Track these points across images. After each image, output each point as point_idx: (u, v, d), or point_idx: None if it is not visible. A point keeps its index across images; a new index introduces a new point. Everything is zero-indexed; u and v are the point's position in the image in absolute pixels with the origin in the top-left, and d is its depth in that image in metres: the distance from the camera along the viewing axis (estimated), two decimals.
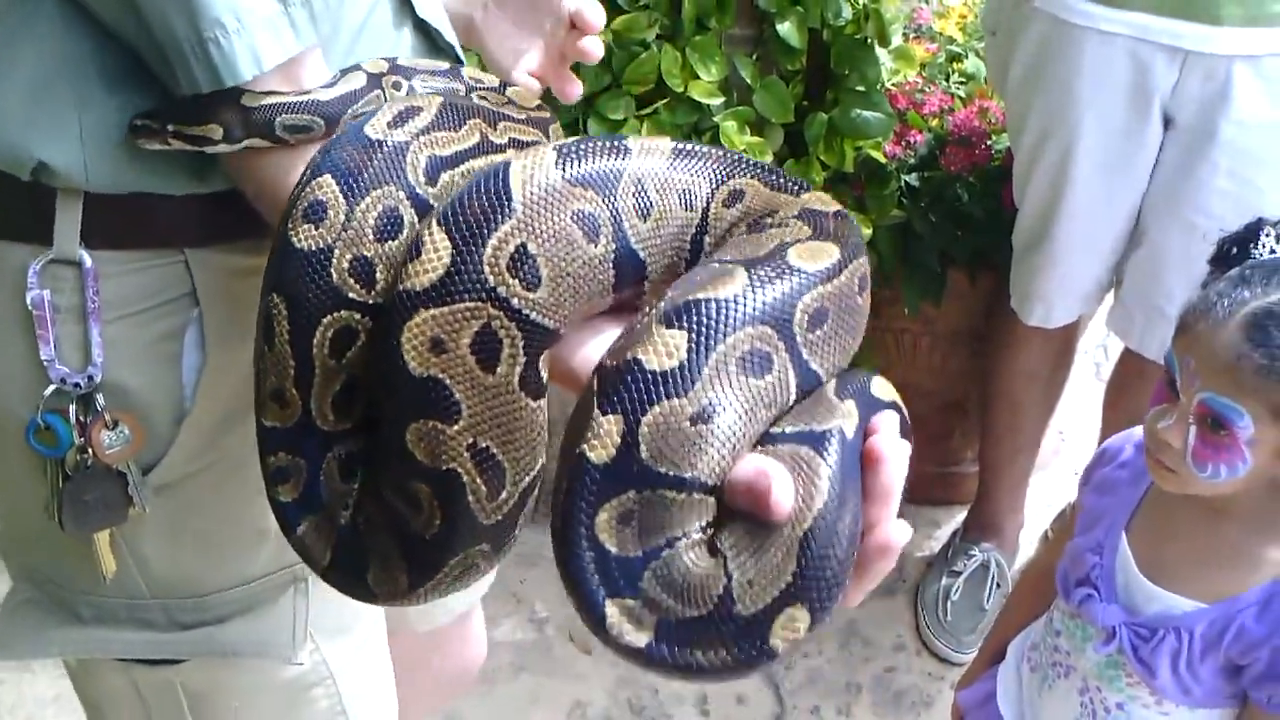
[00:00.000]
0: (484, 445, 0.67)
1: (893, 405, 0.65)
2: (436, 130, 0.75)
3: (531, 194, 0.67)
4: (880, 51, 2.11)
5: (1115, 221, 1.88)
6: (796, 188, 0.73)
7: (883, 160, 2.14)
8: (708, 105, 2.00)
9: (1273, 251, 1.16)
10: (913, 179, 2.17)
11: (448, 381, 0.66)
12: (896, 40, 2.18)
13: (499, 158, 0.73)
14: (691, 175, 0.72)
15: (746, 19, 2.03)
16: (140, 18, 0.76)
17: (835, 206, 0.71)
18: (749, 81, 2.03)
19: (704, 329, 0.61)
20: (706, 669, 0.60)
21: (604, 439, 0.60)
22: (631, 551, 0.61)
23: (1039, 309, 2.01)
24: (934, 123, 2.21)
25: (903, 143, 2.17)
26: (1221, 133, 1.71)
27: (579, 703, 2.09)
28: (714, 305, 0.62)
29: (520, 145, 0.78)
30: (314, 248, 0.71)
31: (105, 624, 0.96)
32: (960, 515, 2.43)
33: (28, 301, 0.85)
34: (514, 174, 0.67)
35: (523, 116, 0.82)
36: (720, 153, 0.74)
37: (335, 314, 0.72)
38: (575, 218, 0.68)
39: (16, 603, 0.98)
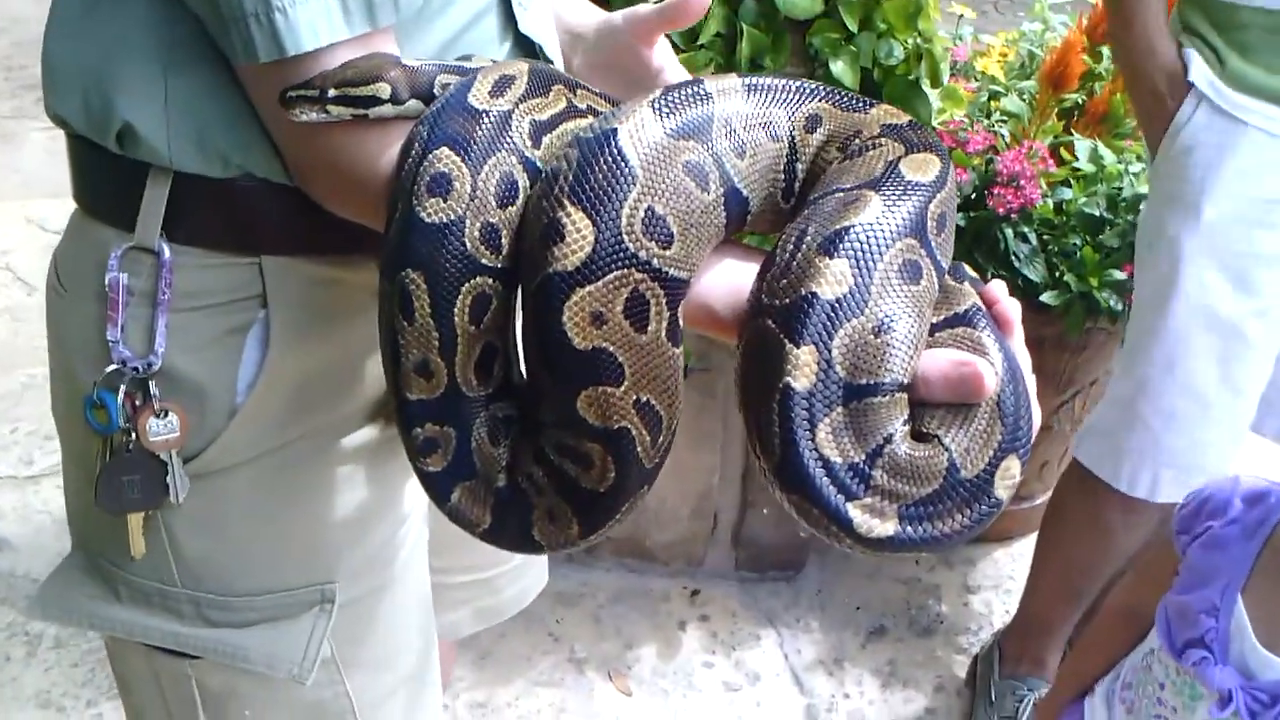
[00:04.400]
0: (645, 399, 0.73)
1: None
2: (531, 97, 0.78)
3: (645, 155, 0.71)
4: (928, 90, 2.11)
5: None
6: (863, 105, 0.79)
7: None
8: None
9: None
10: (959, 218, 2.16)
11: (611, 349, 0.71)
12: (944, 80, 2.18)
13: (589, 121, 0.77)
14: (768, 107, 0.78)
15: (799, 59, 2.02)
16: None
17: (906, 117, 0.78)
18: None
19: (862, 252, 0.67)
20: (949, 536, 0.68)
21: (803, 368, 0.66)
22: (856, 457, 0.67)
23: (1167, 478, 1.79)
24: (976, 161, 2.21)
25: None
26: None
27: None
28: (863, 229, 0.68)
29: (596, 113, 0.81)
30: (446, 220, 0.74)
31: (138, 605, 0.96)
32: (994, 551, 2.43)
33: (105, 282, 0.87)
34: (624, 139, 0.71)
35: (597, 90, 0.84)
36: (784, 82, 0.79)
37: (471, 281, 0.75)
38: (686, 169, 0.72)
39: (68, 567, 0.99)
